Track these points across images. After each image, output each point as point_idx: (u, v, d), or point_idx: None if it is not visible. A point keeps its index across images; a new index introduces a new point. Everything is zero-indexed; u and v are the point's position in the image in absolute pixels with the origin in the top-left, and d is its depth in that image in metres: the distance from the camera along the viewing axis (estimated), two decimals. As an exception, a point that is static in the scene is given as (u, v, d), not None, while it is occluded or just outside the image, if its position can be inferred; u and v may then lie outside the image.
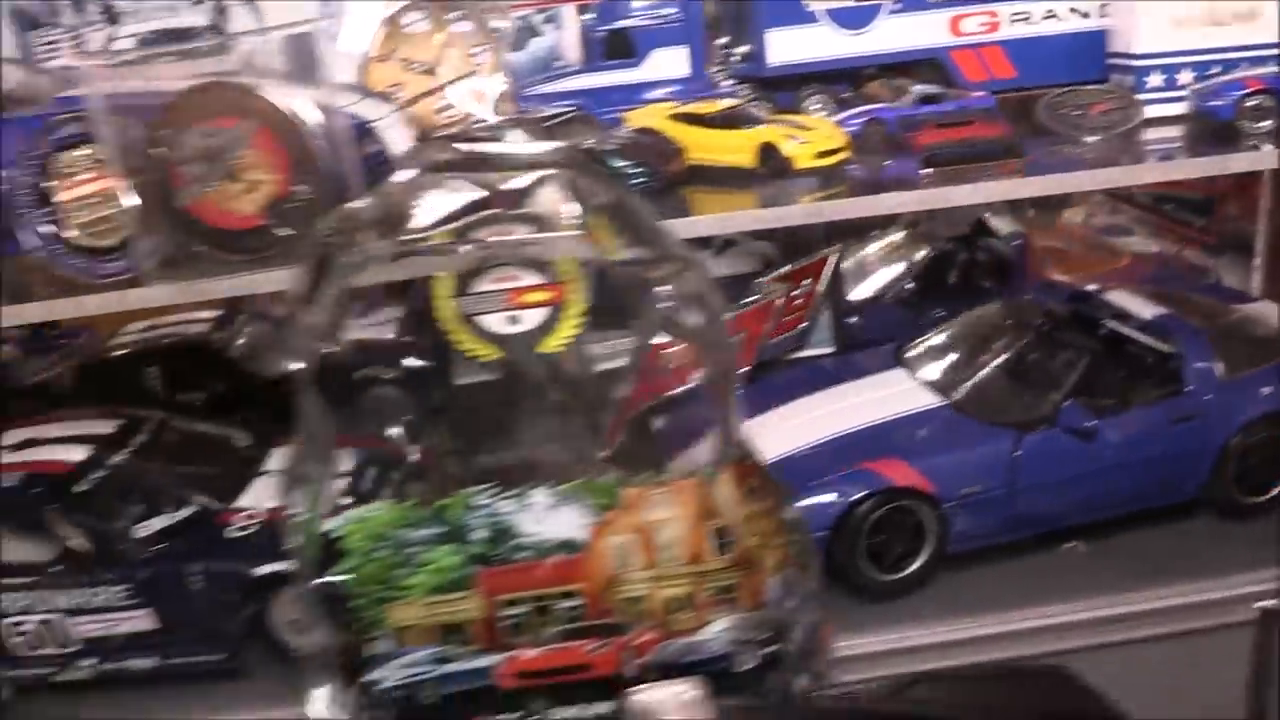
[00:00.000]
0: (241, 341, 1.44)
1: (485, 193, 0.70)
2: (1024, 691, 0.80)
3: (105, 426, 1.18)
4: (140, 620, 1.06)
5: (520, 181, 0.69)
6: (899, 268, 1.42)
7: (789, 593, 0.88)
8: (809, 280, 1.21)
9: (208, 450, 1.20)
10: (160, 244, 0.85)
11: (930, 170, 0.94)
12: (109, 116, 0.81)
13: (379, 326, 1.48)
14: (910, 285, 1.39)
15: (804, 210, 0.90)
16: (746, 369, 1.13)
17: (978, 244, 1.42)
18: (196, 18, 1.16)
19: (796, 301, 1.12)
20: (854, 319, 1.32)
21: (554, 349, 0.77)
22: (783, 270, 1.18)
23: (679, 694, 0.70)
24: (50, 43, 1.18)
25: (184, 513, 1.10)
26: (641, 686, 0.76)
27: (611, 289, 0.77)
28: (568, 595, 0.88)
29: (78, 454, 1.12)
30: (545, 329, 0.77)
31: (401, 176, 0.71)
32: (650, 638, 0.90)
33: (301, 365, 0.75)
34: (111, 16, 1.17)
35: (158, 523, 1.08)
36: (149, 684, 1.08)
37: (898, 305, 1.38)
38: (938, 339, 1.23)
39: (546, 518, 0.84)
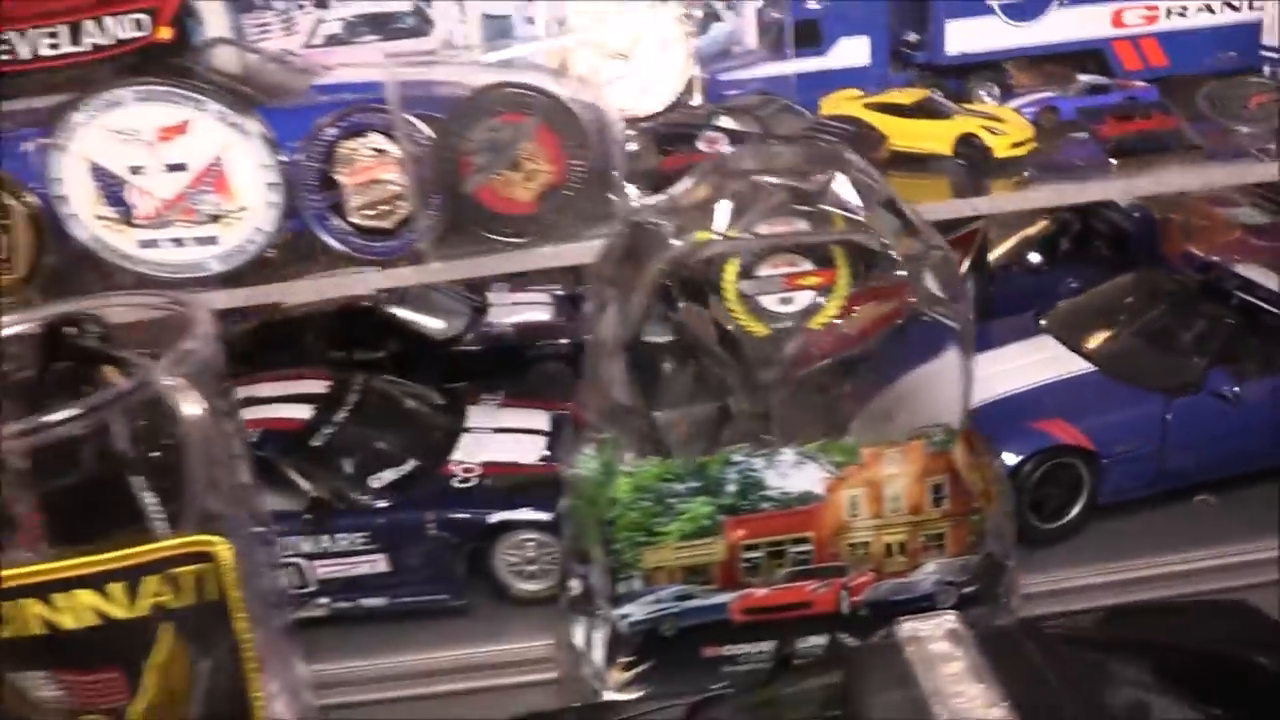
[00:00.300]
0: (407, 306, 1.51)
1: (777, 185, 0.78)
2: (1213, 623, 0.90)
3: (318, 387, 1.26)
4: (374, 563, 1.16)
5: (821, 177, 0.78)
6: (1021, 238, 1.51)
7: (994, 539, 0.99)
8: (958, 252, 1.29)
9: (412, 409, 1.29)
10: (437, 225, 0.94)
11: (1115, 161, 1.02)
12: (401, 109, 0.89)
13: (534, 308, 1.56)
14: (1035, 256, 1.48)
15: (1010, 199, 0.99)
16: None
17: (1098, 215, 1.51)
18: (403, 3, 1.23)
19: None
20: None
21: (818, 326, 0.87)
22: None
23: (943, 622, 0.80)
24: (262, 25, 1.26)
25: (407, 466, 1.20)
26: (906, 616, 0.85)
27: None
28: (800, 541, 0.99)
29: (304, 412, 1.21)
30: (813, 309, 0.86)
31: (699, 171, 0.80)
32: (866, 579, 1.01)
33: (613, 336, 0.84)
34: (321, 0, 1.24)
35: (388, 475, 1.18)
36: (377, 621, 1.18)
37: (1025, 274, 1.47)
38: (1078, 307, 1.32)
39: (791, 473, 0.94)
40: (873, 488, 0.95)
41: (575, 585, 0.99)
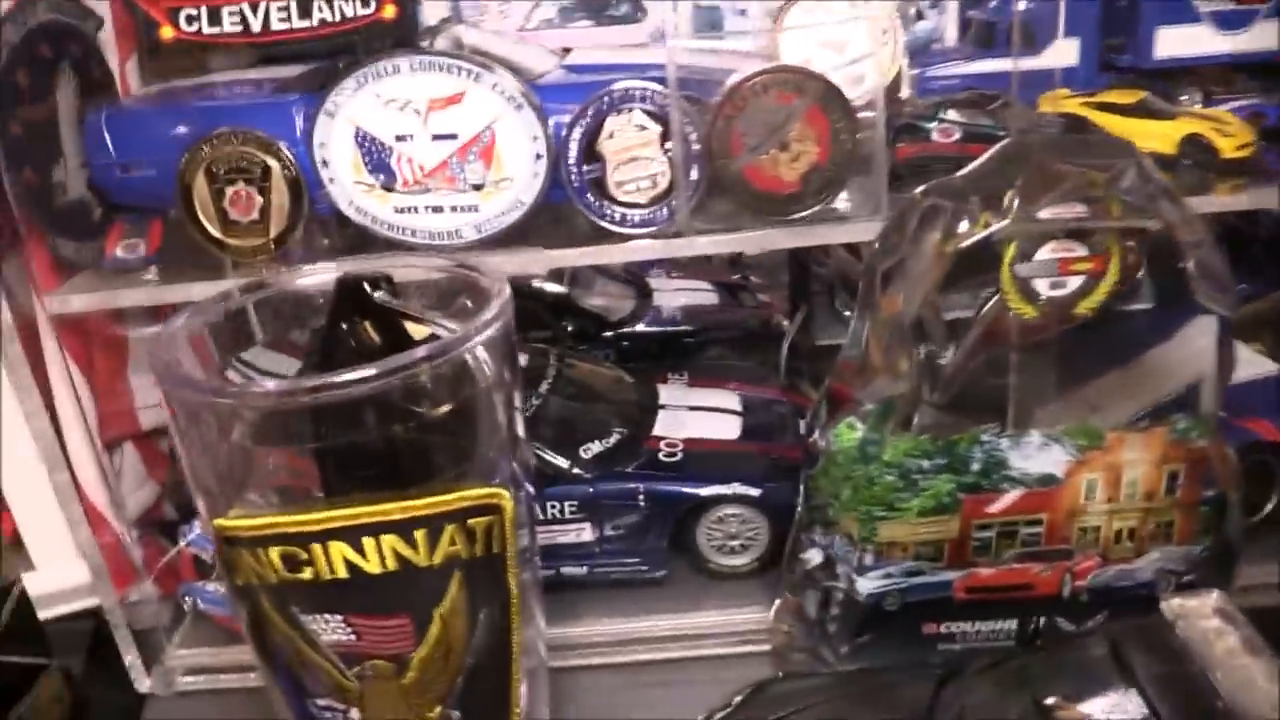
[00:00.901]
0: (578, 289, 1.53)
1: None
2: None
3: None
4: (579, 532, 1.17)
5: (1108, 165, 0.80)
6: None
7: (1228, 528, 1.01)
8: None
9: (609, 385, 1.30)
10: (694, 201, 0.96)
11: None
12: (676, 90, 0.91)
13: (697, 294, 1.58)
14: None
15: (1227, 200, 1.00)
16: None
17: (1258, 222, 1.51)
18: (617, -11, 1.26)
19: (1130, 259, 1.21)
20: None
21: (1086, 310, 0.89)
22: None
23: (1209, 600, 0.82)
24: (480, 8, 1.29)
25: (613, 439, 1.21)
26: (1173, 594, 0.87)
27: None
28: (1032, 522, 1.00)
29: None
30: (1082, 293, 0.88)
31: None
32: (1091, 563, 1.02)
33: (897, 314, 0.86)
34: (536, -14, 1.27)
35: (595, 446, 1.19)
36: (575, 589, 1.19)
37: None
38: (1260, 311, 1.34)
39: (1035, 454, 0.96)
40: (1112, 472, 0.97)
41: (811, 557, 1.01)
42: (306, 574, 0.75)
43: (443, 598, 0.77)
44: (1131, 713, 0.75)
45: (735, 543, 1.16)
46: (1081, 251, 0.86)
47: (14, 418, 1.07)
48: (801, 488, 1.01)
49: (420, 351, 0.72)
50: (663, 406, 1.27)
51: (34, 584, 1.22)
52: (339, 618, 0.77)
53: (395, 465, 0.80)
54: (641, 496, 1.13)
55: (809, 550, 0.98)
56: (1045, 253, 0.85)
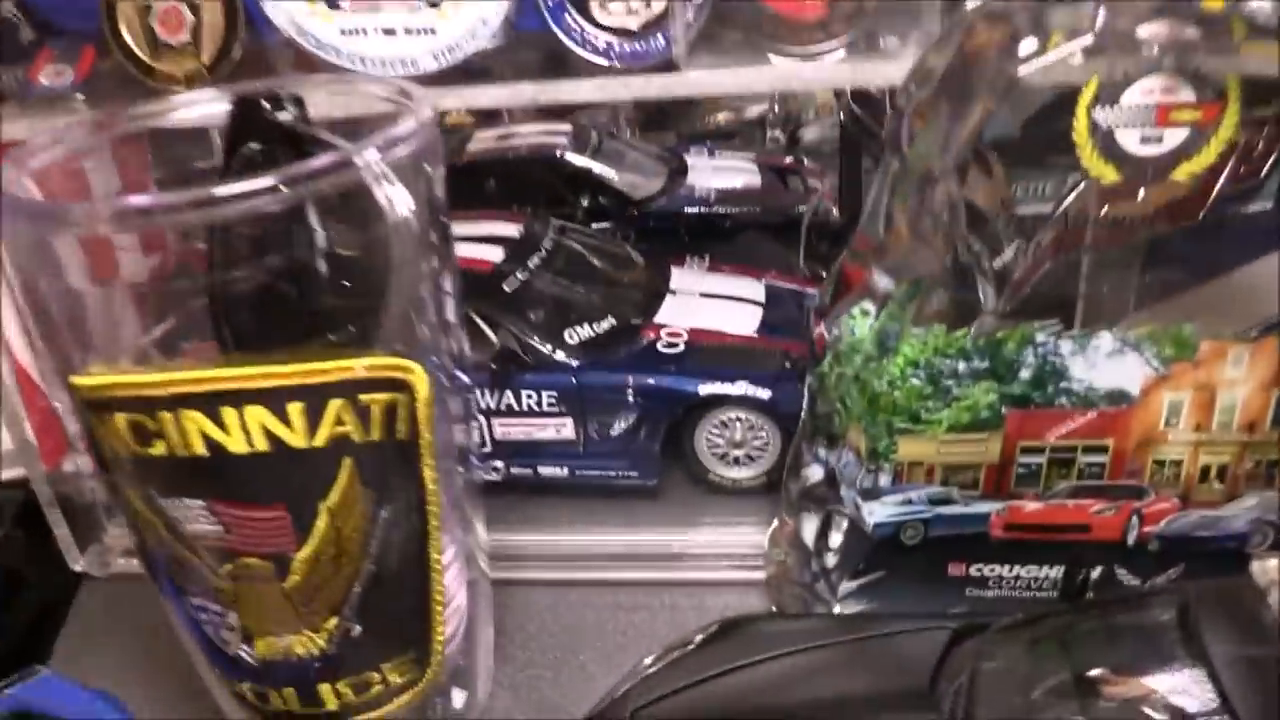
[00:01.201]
0: (601, 159, 1.37)
1: None
2: None
3: (510, 229, 1.12)
4: (560, 428, 1.03)
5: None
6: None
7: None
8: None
9: (611, 265, 1.15)
10: (697, 29, 0.76)
11: None
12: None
13: (737, 174, 1.41)
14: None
15: None
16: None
17: None
18: None
19: (1257, 150, 0.98)
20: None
21: (1186, 176, 0.67)
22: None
23: None
24: None
25: (605, 324, 1.06)
26: (1268, 553, 0.68)
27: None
28: (1094, 450, 0.80)
29: (494, 254, 1.08)
30: (1183, 152, 0.66)
31: None
32: (1168, 505, 0.82)
33: (930, 160, 0.66)
34: None
35: (583, 331, 1.04)
36: (554, 492, 1.06)
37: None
38: None
39: (1104, 364, 0.76)
40: (1203, 393, 0.76)
41: (812, 473, 0.83)
42: (158, 448, 0.63)
43: (328, 489, 0.66)
44: (1197, 698, 0.57)
45: (740, 452, 1.03)
46: (1187, 94, 0.64)
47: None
48: (805, 389, 0.83)
49: (303, 166, 0.59)
50: (672, 292, 1.12)
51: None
52: (200, 504, 0.65)
53: (278, 316, 0.66)
54: (630, 391, 1.00)
55: (810, 466, 0.80)
56: (1137, 93, 0.63)
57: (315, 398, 0.63)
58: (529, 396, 1.01)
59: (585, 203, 1.31)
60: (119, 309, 0.68)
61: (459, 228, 1.08)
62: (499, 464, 1.04)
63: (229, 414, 0.61)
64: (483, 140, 1.40)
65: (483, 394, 1.01)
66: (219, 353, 0.68)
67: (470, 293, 0.98)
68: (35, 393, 1.02)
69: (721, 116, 1.73)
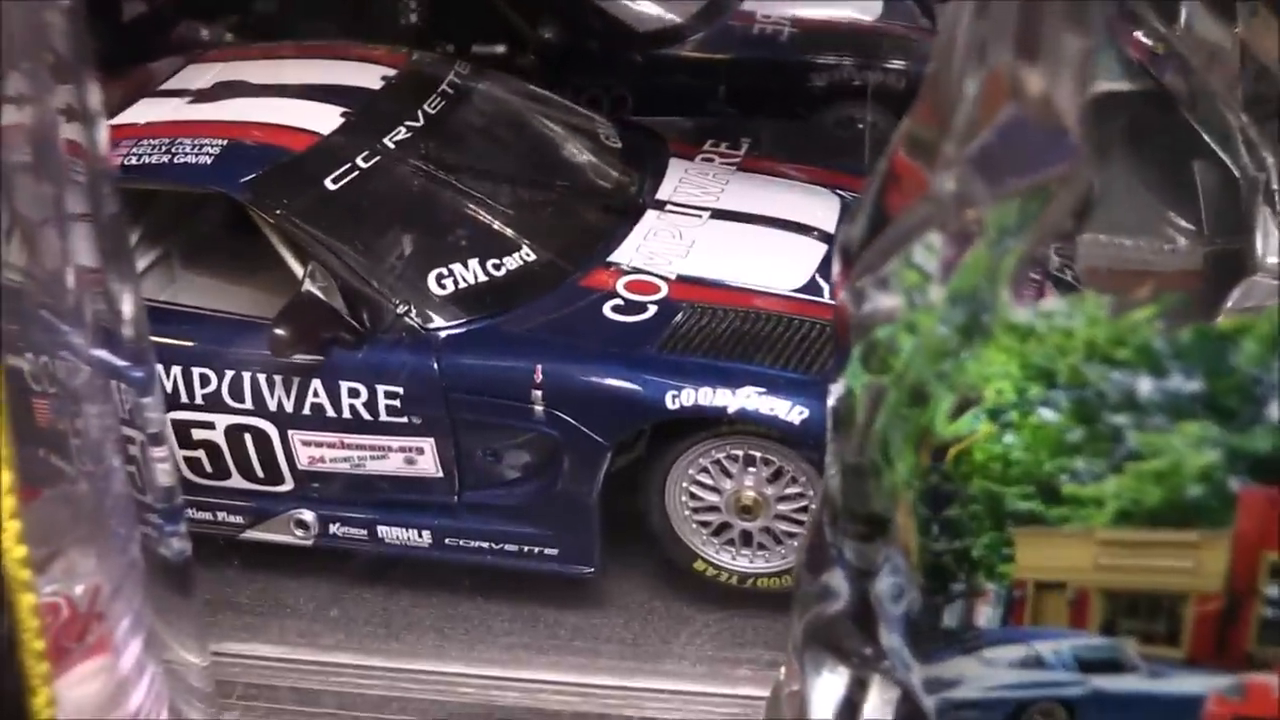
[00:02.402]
0: None
1: None
2: None
3: (367, 77, 1.03)
4: (411, 454, 0.93)
5: None
6: None
7: None
8: None
9: (555, 149, 1.04)
10: None
11: None
12: None
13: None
14: None
15: None
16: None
17: None
18: None
19: None
20: None
21: None
22: None
23: None
24: None
25: (515, 261, 0.94)
26: None
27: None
28: None
29: (324, 121, 0.98)
30: None
31: None
32: None
33: None
34: None
35: (463, 274, 0.92)
36: (415, 579, 0.98)
37: None
38: None
39: None
40: None
41: (835, 587, 0.66)
42: None
43: None
44: None
45: (753, 523, 0.92)
46: None
47: None
48: (830, 414, 0.65)
49: None
50: (660, 206, 1.00)
51: None
52: None
53: None
54: (539, 393, 0.88)
55: (834, 570, 0.63)
56: None
57: None
58: (354, 393, 0.91)
59: (548, 35, 1.21)
60: None
61: (277, 69, 1.06)
62: (307, 516, 0.94)
63: None
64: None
65: (269, 383, 0.90)
66: None
67: (261, 187, 0.93)
68: None
69: None
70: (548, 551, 0.92)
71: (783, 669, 0.79)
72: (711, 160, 1.06)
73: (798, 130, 1.15)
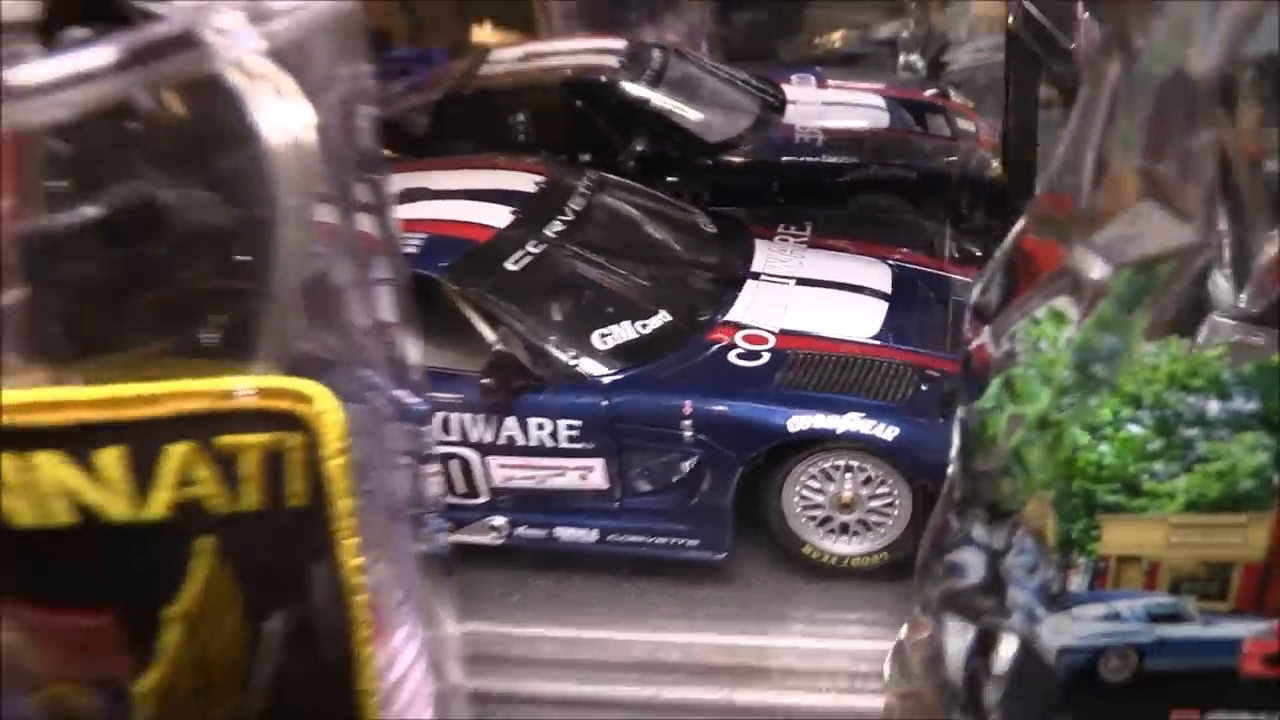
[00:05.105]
0: (665, 89, 1.22)
1: None
2: None
3: (524, 183, 1.02)
4: (585, 472, 0.90)
5: None
6: None
7: None
8: None
9: (670, 235, 1.03)
10: None
11: None
12: None
13: (858, 110, 1.28)
14: None
15: None
16: None
17: None
18: None
19: None
20: None
21: None
22: None
23: None
24: None
25: (654, 322, 0.93)
26: None
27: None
28: None
29: (498, 218, 0.96)
30: None
31: None
32: None
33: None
34: None
35: (620, 332, 0.91)
36: (581, 565, 0.94)
37: None
38: None
39: None
40: None
41: (965, 562, 0.67)
42: None
43: (179, 586, 0.52)
44: None
45: (850, 517, 0.90)
46: None
47: None
48: (957, 431, 0.67)
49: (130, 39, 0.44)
50: (754, 276, 0.99)
51: None
52: None
53: (92, 303, 0.53)
54: (688, 422, 0.87)
55: (962, 550, 0.68)
56: None
57: (141, 441, 0.49)
58: (540, 426, 0.89)
59: (640, 148, 1.19)
60: None
61: (448, 178, 1.04)
62: (499, 521, 0.92)
63: (10, 463, 0.48)
64: (502, 61, 1.29)
65: (473, 420, 0.89)
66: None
67: (457, 271, 0.92)
68: None
69: (838, 36, 1.59)
70: (690, 543, 0.91)
71: (904, 628, 0.80)
72: (786, 240, 1.04)
73: (840, 215, 1.14)
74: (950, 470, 0.70)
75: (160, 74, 0.46)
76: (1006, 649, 0.69)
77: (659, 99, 1.20)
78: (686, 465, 0.89)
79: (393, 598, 0.61)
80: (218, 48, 0.46)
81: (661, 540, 0.92)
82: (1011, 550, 0.67)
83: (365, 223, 0.58)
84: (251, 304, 0.54)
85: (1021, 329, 0.60)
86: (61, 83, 0.44)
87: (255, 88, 0.49)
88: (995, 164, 1.18)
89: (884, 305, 0.95)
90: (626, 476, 0.90)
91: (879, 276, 0.99)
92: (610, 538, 0.92)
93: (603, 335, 0.90)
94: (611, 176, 1.06)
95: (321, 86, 0.51)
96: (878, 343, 0.92)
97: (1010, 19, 1.05)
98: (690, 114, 1.21)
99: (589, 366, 0.89)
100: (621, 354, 0.90)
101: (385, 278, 0.60)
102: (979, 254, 1.09)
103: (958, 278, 1.00)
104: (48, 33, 0.58)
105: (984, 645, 0.70)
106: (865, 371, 0.89)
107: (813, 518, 0.90)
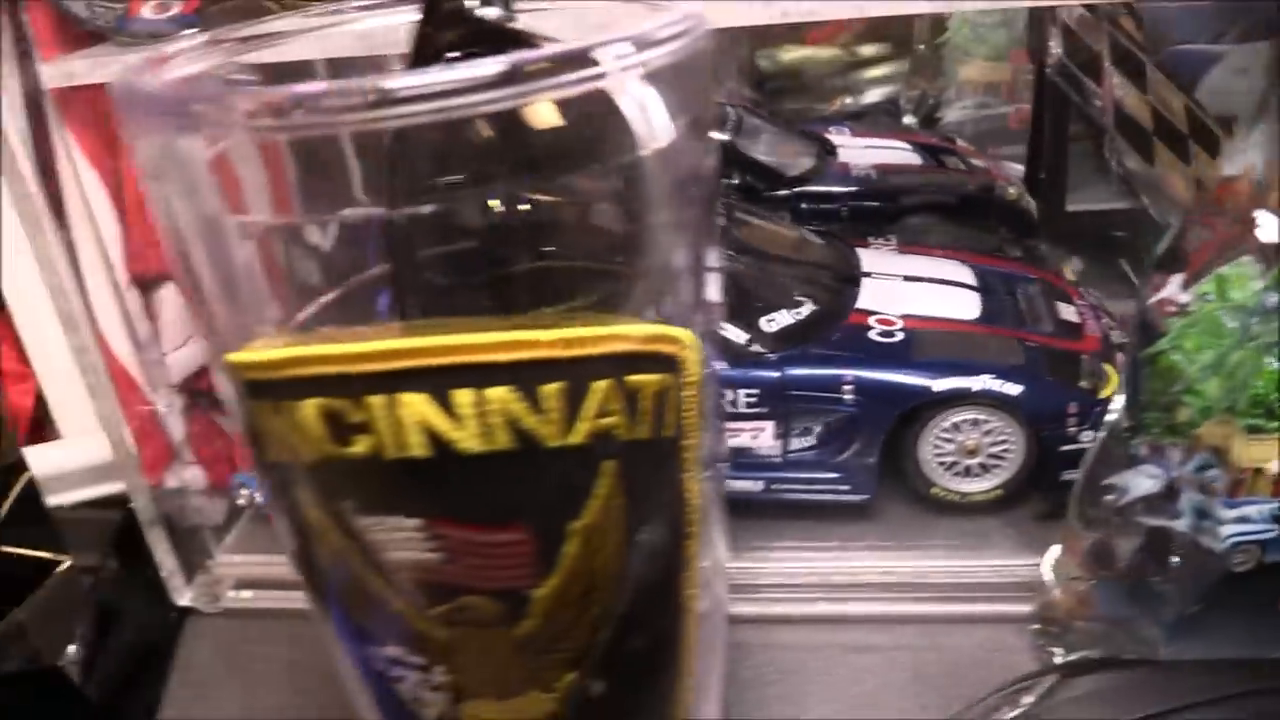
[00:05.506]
0: (743, 139, 1.29)
1: None
2: None
3: None
4: (756, 434, 0.95)
5: None
6: None
7: None
8: None
9: (789, 247, 1.08)
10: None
11: None
12: None
13: (891, 151, 1.34)
14: None
15: None
16: None
17: None
18: None
19: None
20: None
21: None
22: None
23: None
24: None
25: (806, 311, 0.98)
26: None
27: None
28: None
29: None
30: None
31: None
32: None
33: None
34: None
35: (782, 319, 0.97)
36: (746, 512, 0.95)
37: None
38: None
39: None
40: None
41: (1138, 483, 0.75)
42: (361, 446, 0.49)
43: (584, 504, 0.53)
44: None
45: (974, 461, 0.95)
46: None
47: (15, 233, 0.86)
48: (1126, 379, 0.74)
49: (534, 55, 0.45)
50: (868, 275, 1.05)
51: (47, 461, 1.02)
52: (415, 524, 0.52)
53: (488, 276, 0.56)
54: (849, 387, 0.93)
55: (1133, 474, 0.73)
56: None
57: (578, 377, 0.50)
58: (722, 396, 0.93)
59: (735, 181, 1.24)
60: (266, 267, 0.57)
61: None
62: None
63: (463, 399, 0.48)
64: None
65: None
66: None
67: None
68: (134, 395, 0.93)
69: (835, 103, 1.67)
70: (842, 488, 0.96)
71: (1054, 546, 0.86)
72: (880, 248, 1.12)
73: (900, 231, 1.21)
74: (1117, 410, 0.78)
75: (557, 88, 0.46)
76: (1179, 547, 0.74)
77: (743, 143, 1.27)
78: (842, 424, 0.93)
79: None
80: (608, 69, 0.47)
81: (819, 487, 0.96)
82: (1187, 468, 0.72)
83: (701, 221, 0.64)
84: (620, 283, 0.57)
85: (1205, 284, 0.68)
86: (454, 89, 0.44)
87: (634, 105, 0.50)
88: (1012, 190, 1.29)
89: (976, 294, 1.02)
90: (791, 436, 0.95)
91: (965, 273, 1.06)
92: (773, 486, 0.97)
93: (767, 321, 0.96)
94: (738, 203, 1.11)
95: (682, 109, 0.53)
96: (982, 322, 0.98)
97: (1047, 68, 1.17)
98: (768, 155, 1.28)
99: (759, 347, 0.94)
100: (783, 336, 0.95)
101: (712, 266, 0.66)
102: (1018, 256, 1.19)
103: (1015, 272, 1.08)
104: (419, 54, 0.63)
105: (1158, 547, 0.75)
106: (981, 344, 0.95)
107: (941, 463, 0.96)
